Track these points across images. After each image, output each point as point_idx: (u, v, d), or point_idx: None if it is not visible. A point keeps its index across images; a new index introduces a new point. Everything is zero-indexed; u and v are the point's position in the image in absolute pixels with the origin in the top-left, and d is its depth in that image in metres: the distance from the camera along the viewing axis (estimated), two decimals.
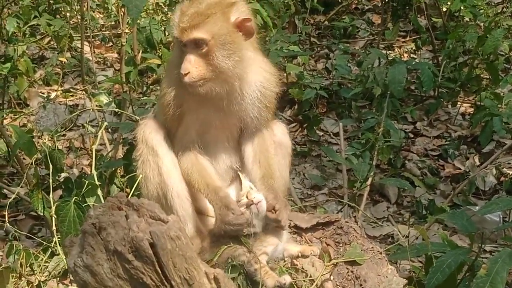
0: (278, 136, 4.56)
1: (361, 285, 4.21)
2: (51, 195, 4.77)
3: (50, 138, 7.55)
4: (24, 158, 7.21)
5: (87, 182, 4.71)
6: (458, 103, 9.49)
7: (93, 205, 4.54)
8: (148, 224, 3.10)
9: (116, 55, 10.85)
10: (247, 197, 4.13)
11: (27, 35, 10.37)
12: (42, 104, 8.49)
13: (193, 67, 4.01)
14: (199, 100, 4.15)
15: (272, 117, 4.51)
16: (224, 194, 4.20)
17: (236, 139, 4.46)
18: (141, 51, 8.56)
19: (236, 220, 4.05)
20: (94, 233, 3.14)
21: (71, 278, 4.75)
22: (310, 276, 4.13)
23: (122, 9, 8.17)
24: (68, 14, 11.14)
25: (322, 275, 4.14)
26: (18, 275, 4.82)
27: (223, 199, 4.16)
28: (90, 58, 9.70)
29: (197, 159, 4.29)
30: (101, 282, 3.11)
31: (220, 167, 4.39)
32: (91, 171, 5.28)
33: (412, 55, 10.92)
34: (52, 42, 10.73)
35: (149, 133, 4.31)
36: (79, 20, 9.41)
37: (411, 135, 9.00)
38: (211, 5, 4.04)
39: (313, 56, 10.83)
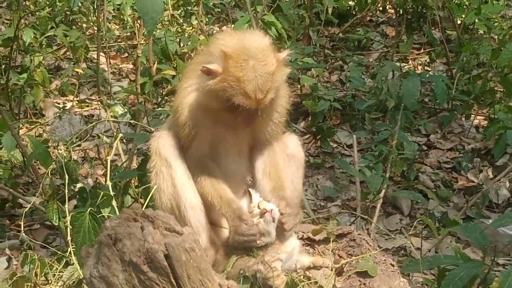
0: (291, 148, 4.59)
1: None
2: (66, 205, 4.80)
3: (65, 149, 7.60)
4: (39, 168, 7.26)
5: (102, 192, 4.74)
6: (472, 116, 9.48)
7: (107, 215, 4.58)
8: (163, 236, 3.14)
9: (131, 66, 10.92)
10: (258, 207, 4.16)
11: (43, 46, 10.45)
12: (58, 114, 8.55)
13: (254, 118, 4.08)
14: (215, 119, 4.19)
15: (282, 130, 4.55)
16: (237, 206, 4.23)
17: (247, 153, 4.49)
18: (156, 62, 8.62)
19: (249, 231, 4.08)
20: (110, 244, 3.17)
21: None
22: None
23: (138, 21, 8.25)
24: (84, 25, 11.23)
25: (329, 276, 4.16)
26: (32, 285, 4.85)
27: (236, 210, 4.19)
28: (106, 69, 9.78)
29: (210, 172, 4.32)
30: None
31: (231, 181, 4.41)
32: (105, 181, 5.31)
33: (426, 68, 10.92)
34: (68, 53, 10.80)
35: (163, 145, 4.34)
36: (95, 31, 9.49)
37: (425, 148, 8.99)
38: (260, 58, 3.98)
39: (327, 68, 10.85)
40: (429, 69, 10.79)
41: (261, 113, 4.08)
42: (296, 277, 4.15)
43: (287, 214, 4.17)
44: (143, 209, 3.36)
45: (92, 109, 9.66)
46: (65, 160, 5.39)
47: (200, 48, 9.55)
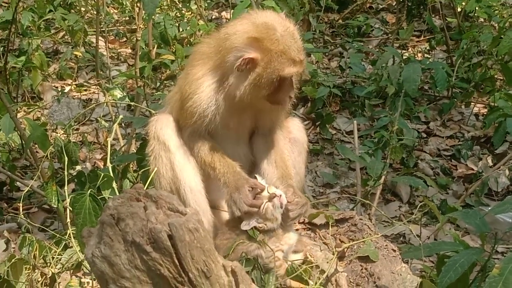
0: (294, 133, 4.57)
1: (375, 282, 4.22)
2: (65, 188, 4.78)
3: (64, 132, 7.57)
4: (37, 151, 7.23)
5: (102, 174, 4.72)
6: (472, 103, 9.48)
7: (108, 197, 4.55)
8: (167, 216, 3.11)
9: (129, 51, 10.88)
10: (267, 191, 4.12)
11: (41, 29, 10.39)
12: (56, 98, 8.51)
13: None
14: (227, 108, 4.16)
15: (286, 117, 4.52)
16: (240, 169, 4.21)
17: (246, 140, 4.47)
18: (155, 46, 8.58)
19: (252, 200, 4.05)
20: (113, 224, 3.14)
21: (84, 270, 4.78)
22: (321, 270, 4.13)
23: (138, 4, 8.20)
24: (83, 9, 11.17)
25: (332, 259, 4.15)
26: (31, 267, 4.83)
27: (240, 173, 4.18)
28: (104, 53, 9.73)
29: (207, 141, 4.30)
30: (118, 272, 3.11)
31: None
32: (104, 165, 5.28)
33: (426, 55, 10.90)
34: (66, 37, 10.76)
35: (160, 129, 4.34)
36: (94, 15, 9.44)
37: (424, 135, 8.99)
38: (282, 21, 4.07)
39: (327, 54, 10.83)
40: (429, 56, 10.77)
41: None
42: (297, 262, 4.13)
43: (295, 202, 4.15)
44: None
45: (90, 93, 9.63)
46: (65, 142, 5.35)
47: (200, 34, 9.52)
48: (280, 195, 4.09)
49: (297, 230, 4.56)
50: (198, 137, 4.28)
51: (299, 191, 4.33)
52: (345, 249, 4.34)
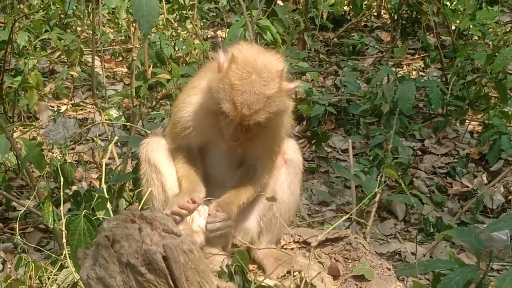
0: (289, 154, 4.52)
1: None
2: (61, 208, 4.78)
3: (60, 152, 7.59)
4: (33, 171, 7.23)
5: (97, 195, 4.72)
6: (467, 121, 9.51)
7: (102, 218, 4.56)
8: (161, 237, 3.12)
9: (125, 70, 10.91)
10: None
11: (37, 49, 10.43)
12: (52, 117, 8.52)
13: (240, 135, 3.96)
14: (212, 124, 4.15)
15: (273, 164, 4.38)
16: (194, 187, 4.16)
17: (236, 168, 4.45)
18: (151, 66, 8.62)
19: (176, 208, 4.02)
20: (108, 245, 3.15)
21: None
22: None
23: (134, 24, 8.25)
24: (79, 28, 11.21)
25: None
26: (27, 287, 4.83)
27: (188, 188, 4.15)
28: (100, 72, 9.76)
29: (190, 157, 4.28)
30: None
31: (210, 184, 4.35)
32: (100, 184, 5.29)
33: (420, 73, 10.96)
34: (62, 56, 10.79)
35: (151, 151, 4.32)
36: (90, 35, 9.48)
37: (419, 153, 9.01)
38: (264, 78, 3.87)
39: (322, 72, 10.88)
40: (424, 74, 10.83)
41: (249, 132, 3.97)
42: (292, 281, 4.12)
43: (214, 214, 4.05)
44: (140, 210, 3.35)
45: (86, 113, 9.64)
46: (61, 162, 5.37)
47: (196, 53, 9.59)
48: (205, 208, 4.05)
49: (292, 249, 4.57)
50: (183, 152, 4.28)
51: (228, 209, 4.18)
52: (341, 270, 4.33)
